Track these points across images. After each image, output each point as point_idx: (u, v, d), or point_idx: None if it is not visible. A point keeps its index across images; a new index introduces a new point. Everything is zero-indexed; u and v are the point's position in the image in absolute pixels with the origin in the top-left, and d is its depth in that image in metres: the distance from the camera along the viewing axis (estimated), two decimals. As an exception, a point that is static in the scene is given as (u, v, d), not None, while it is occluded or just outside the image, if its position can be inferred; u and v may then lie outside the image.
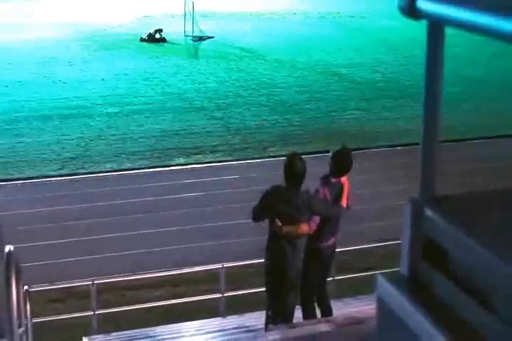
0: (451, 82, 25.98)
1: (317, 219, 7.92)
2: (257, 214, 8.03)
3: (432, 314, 1.54)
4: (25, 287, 7.96)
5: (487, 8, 1.40)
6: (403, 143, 20.38)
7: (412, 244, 1.69)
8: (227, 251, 13.59)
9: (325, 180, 8.23)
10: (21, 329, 4.27)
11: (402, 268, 1.71)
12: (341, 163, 8.19)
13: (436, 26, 1.60)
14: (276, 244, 7.83)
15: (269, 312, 7.83)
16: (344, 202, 8.11)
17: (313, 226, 7.86)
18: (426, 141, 1.69)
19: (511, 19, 1.32)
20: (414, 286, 1.68)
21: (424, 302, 1.61)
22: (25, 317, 5.20)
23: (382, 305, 1.74)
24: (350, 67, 33.22)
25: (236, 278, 11.44)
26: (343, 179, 8.23)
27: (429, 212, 1.66)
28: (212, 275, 11.33)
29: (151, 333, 8.95)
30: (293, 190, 7.76)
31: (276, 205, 7.77)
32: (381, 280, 1.72)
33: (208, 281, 11.88)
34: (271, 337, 6.56)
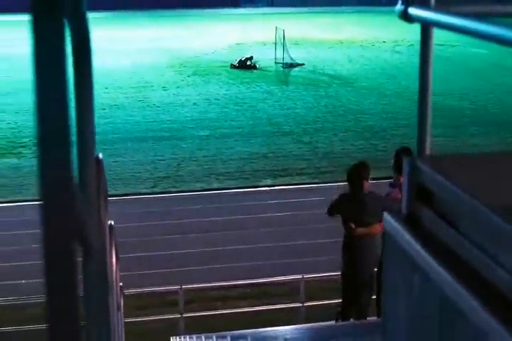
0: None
1: None
2: (329, 209, 8.74)
3: (420, 238, 2.12)
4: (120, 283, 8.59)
5: (461, 13, 1.97)
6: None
7: (409, 188, 2.27)
8: (309, 268, 14.08)
9: (393, 183, 8.71)
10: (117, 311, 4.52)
11: (402, 207, 2.29)
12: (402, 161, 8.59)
13: (426, 28, 2.18)
14: (349, 244, 8.36)
15: (340, 309, 8.34)
16: None
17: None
18: (421, 107, 2.26)
19: (483, 22, 1.89)
20: (409, 220, 2.25)
21: (416, 230, 2.18)
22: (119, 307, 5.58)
23: (388, 235, 2.32)
24: (438, 94, 33.37)
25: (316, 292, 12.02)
26: None
27: (421, 165, 2.23)
28: (294, 290, 12.00)
29: (237, 335, 9.44)
30: (358, 195, 8.32)
31: (344, 206, 8.39)
32: (387, 217, 2.30)
33: (289, 296, 12.46)
34: (338, 324, 7.05)
